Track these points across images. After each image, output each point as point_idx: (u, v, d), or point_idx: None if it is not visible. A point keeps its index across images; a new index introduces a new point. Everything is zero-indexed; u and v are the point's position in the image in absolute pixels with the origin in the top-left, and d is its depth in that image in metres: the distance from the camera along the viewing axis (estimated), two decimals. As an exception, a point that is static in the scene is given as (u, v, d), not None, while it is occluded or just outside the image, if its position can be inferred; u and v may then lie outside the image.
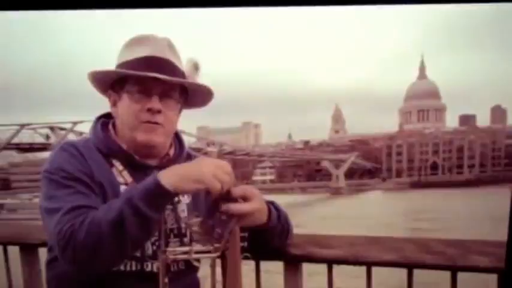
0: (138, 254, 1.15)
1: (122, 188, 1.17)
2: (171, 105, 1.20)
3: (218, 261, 1.16)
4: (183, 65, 1.24)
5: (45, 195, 1.12)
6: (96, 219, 1.01)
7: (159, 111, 1.17)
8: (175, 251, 1.10)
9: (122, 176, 1.19)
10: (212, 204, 1.06)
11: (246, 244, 1.11)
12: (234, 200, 1.07)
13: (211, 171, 1.02)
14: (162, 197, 1.02)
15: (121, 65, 1.19)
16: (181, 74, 1.21)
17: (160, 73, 1.14)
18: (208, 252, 1.09)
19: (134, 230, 1.00)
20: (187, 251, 1.10)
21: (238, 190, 1.08)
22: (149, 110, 1.16)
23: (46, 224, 1.10)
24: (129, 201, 1.00)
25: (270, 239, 1.26)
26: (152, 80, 1.14)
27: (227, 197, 1.05)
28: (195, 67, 1.22)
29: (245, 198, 1.09)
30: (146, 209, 1.00)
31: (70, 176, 1.11)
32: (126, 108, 1.18)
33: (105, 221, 1.00)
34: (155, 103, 1.16)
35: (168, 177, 1.02)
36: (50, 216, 1.07)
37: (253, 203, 1.10)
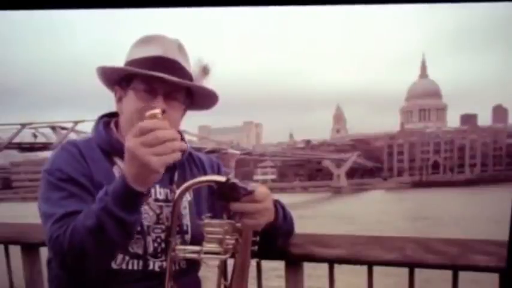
0: (140, 252, 1.15)
1: None
2: (176, 106, 1.20)
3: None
4: (192, 66, 1.23)
5: (42, 196, 1.13)
6: (77, 226, 1.02)
7: (163, 112, 1.17)
8: (186, 249, 1.10)
9: None
10: (223, 204, 1.05)
11: (256, 248, 1.09)
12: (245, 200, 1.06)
13: (144, 152, 0.95)
14: (134, 197, 1.01)
15: (129, 63, 1.19)
16: (189, 76, 1.21)
17: (168, 74, 1.14)
18: (218, 253, 1.08)
19: (114, 234, 1.01)
20: (198, 250, 1.09)
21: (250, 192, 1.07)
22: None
23: (42, 226, 1.12)
24: (105, 208, 1.00)
25: (275, 239, 1.26)
26: (159, 80, 1.14)
27: (238, 196, 1.04)
28: (205, 71, 1.22)
29: (257, 199, 1.08)
30: (122, 213, 1.00)
31: (67, 177, 1.11)
32: (131, 105, 1.18)
33: (85, 228, 1.01)
34: (159, 103, 1.16)
35: (130, 177, 0.99)
36: (45, 221, 1.10)
37: (265, 203, 1.09)
